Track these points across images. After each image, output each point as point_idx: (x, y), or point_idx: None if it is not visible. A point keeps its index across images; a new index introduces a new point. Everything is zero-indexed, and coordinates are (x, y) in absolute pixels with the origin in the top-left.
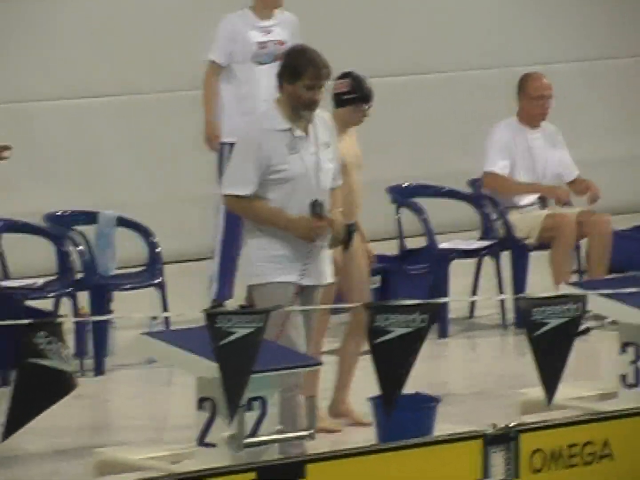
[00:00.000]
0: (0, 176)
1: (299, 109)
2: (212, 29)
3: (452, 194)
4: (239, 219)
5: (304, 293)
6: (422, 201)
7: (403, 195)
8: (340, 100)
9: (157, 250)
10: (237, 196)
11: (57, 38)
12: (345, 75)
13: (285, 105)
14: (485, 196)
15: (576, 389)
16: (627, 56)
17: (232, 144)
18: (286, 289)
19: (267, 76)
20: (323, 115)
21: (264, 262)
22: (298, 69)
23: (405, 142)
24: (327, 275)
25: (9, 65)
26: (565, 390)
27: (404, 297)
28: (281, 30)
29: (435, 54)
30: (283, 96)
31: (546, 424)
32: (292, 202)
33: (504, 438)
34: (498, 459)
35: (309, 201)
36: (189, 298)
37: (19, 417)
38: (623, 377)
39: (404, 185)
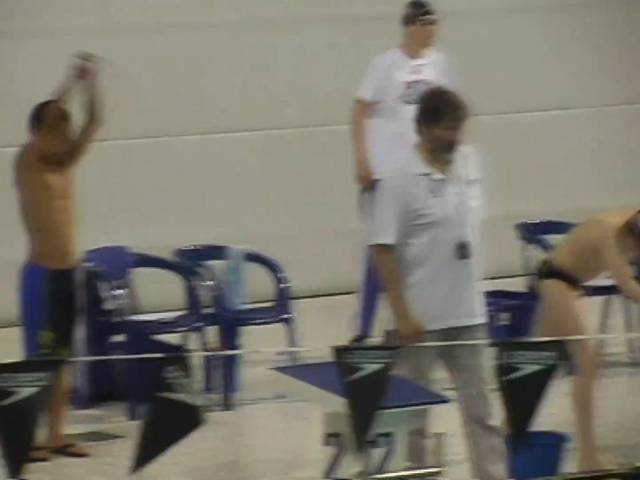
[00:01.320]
0: (137, 209)
1: (438, 151)
2: (364, 65)
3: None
4: None
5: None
6: (551, 238)
7: (532, 232)
8: None
9: (286, 285)
10: (381, 245)
11: (207, 71)
12: None
13: (425, 148)
14: None
15: None
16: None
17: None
18: (429, 338)
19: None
20: (470, 151)
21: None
22: (437, 112)
23: (536, 178)
24: (477, 315)
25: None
26: None
27: (534, 335)
28: (431, 70)
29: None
30: (422, 139)
31: None
32: (437, 246)
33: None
34: None
35: (455, 243)
36: (321, 333)
37: (148, 450)
38: None
39: (533, 222)
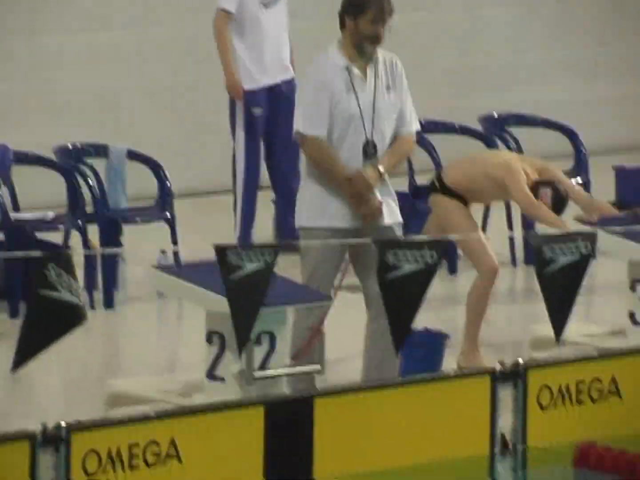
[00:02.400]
0: (13, 109)
1: (362, 44)
2: None
3: (465, 131)
4: (258, 162)
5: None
6: (432, 137)
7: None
8: None
9: (167, 184)
10: (315, 136)
11: None
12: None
13: (347, 43)
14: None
15: (585, 326)
16: None
17: (248, 91)
18: (332, 236)
19: (274, 19)
20: (392, 58)
21: (316, 204)
22: (362, 3)
23: (424, 77)
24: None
25: None
26: (574, 328)
27: (414, 233)
28: None
29: None
30: (345, 33)
31: (554, 360)
32: (345, 142)
33: (512, 375)
34: (506, 395)
35: (362, 142)
36: (200, 232)
37: (28, 349)
38: (632, 315)
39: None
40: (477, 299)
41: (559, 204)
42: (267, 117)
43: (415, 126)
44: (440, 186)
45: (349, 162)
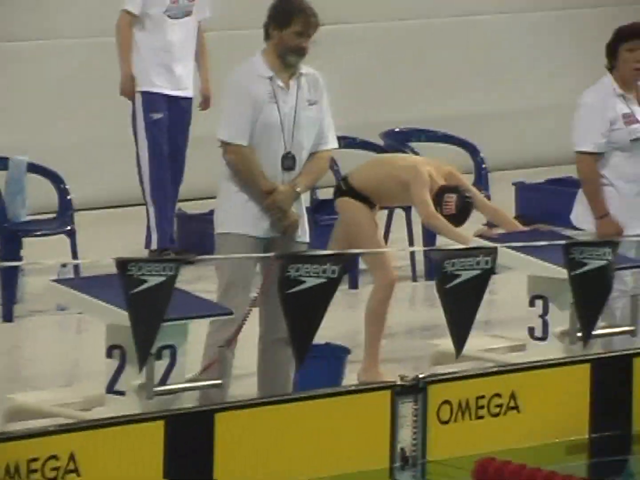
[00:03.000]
0: None
1: (286, 56)
2: None
3: (366, 146)
4: (163, 165)
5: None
6: (334, 152)
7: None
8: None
9: (67, 197)
10: (239, 145)
11: None
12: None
13: (272, 53)
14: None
15: (486, 341)
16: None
17: (146, 93)
18: (248, 243)
19: (179, 32)
20: (315, 74)
21: (234, 212)
22: (288, 16)
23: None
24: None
25: None
26: (475, 342)
27: (315, 248)
28: None
29: None
30: (270, 44)
31: (454, 375)
32: (264, 151)
33: (412, 389)
34: (407, 410)
35: (281, 153)
36: (102, 245)
37: None
38: (531, 330)
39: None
40: (374, 312)
41: (463, 210)
42: (166, 124)
43: (333, 144)
44: (347, 189)
45: (266, 171)
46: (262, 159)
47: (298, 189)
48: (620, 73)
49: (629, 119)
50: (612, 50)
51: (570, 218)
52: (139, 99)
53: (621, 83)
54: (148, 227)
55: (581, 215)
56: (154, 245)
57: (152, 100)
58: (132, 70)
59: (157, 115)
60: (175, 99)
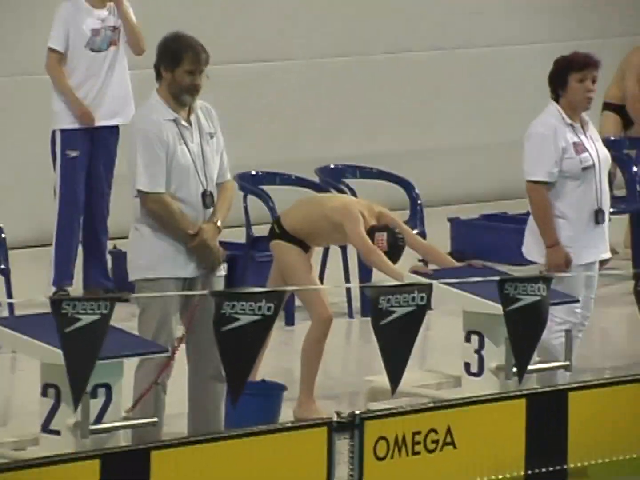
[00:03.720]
0: None
1: (180, 95)
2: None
3: (301, 182)
4: (76, 205)
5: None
6: (269, 189)
7: (251, 183)
8: None
9: (1, 235)
10: (158, 193)
11: None
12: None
13: (166, 94)
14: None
15: (421, 377)
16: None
17: (64, 131)
18: (174, 285)
19: (101, 67)
20: (207, 106)
21: (157, 256)
22: (177, 55)
23: (258, 128)
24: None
25: None
26: (411, 378)
27: (251, 285)
28: (114, 17)
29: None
30: (162, 85)
31: (390, 411)
32: (183, 193)
33: (349, 425)
34: (343, 446)
35: (200, 192)
36: (36, 284)
37: None
38: (467, 366)
39: (252, 173)
40: (311, 349)
41: (394, 249)
42: (87, 161)
43: (229, 173)
44: (280, 232)
45: (189, 213)
46: (183, 202)
47: (219, 224)
48: (569, 102)
49: (579, 147)
50: (560, 80)
51: (504, 252)
52: (58, 137)
53: (570, 112)
54: (85, 266)
55: (532, 247)
56: (50, 282)
57: (70, 137)
58: (77, 98)
59: (73, 153)
60: (98, 132)
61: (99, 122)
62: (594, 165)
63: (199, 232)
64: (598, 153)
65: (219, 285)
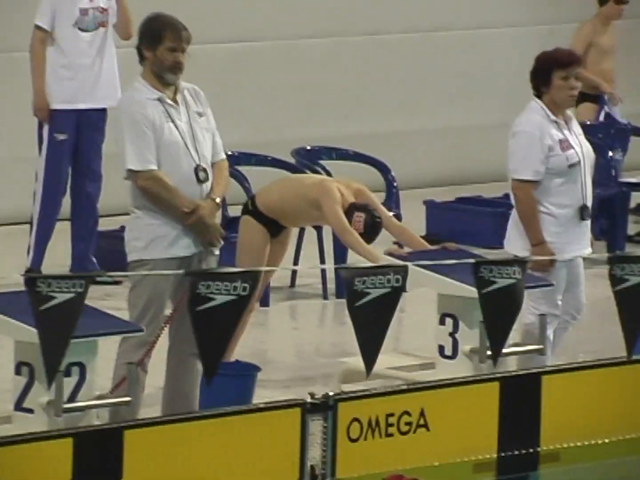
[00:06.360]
0: None
1: (163, 74)
2: None
3: (277, 163)
4: (59, 189)
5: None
6: (245, 170)
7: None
8: None
9: None
10: (149, 170)
11: None
12: None
13: (150, 74)
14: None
15: (396, 359)
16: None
17: (54, 111)
18: (172, 265)
19: (90, 47)
20: (194, 87)
21: (154, 237)
22: (158, 33)
23: (235, 108)
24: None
25: None
26: (385, 360)
27: (226, 265)
28: None
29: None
30: (146, 66)
31: (364, 393)
32: (176, 171)
33: (322, 407)
34: (317, 427)
35: (192, 167)
36: (11, 262)
37: None
38: (441, 348)
39: (228, 154)
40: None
41: (371, 228)
42: (74, 144)
43: (224, 154)
44: (252, 209)
45: (184, 190)
46: (175, 179)
47: (218, 200)
48: (553, 99)
49: (564, 144)
50: (544, 77)
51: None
52: (47, 117)
53: (553, 109)
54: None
55: (514, 241)
56: (28, 264)
57: (58, 119)
58: (44, 88)
59: (61, 136)
60: (87, 113)
61: (89, 105)
62: (579, 161)
63: (196, 209)
64: (582, 149)
65: (214, 264)
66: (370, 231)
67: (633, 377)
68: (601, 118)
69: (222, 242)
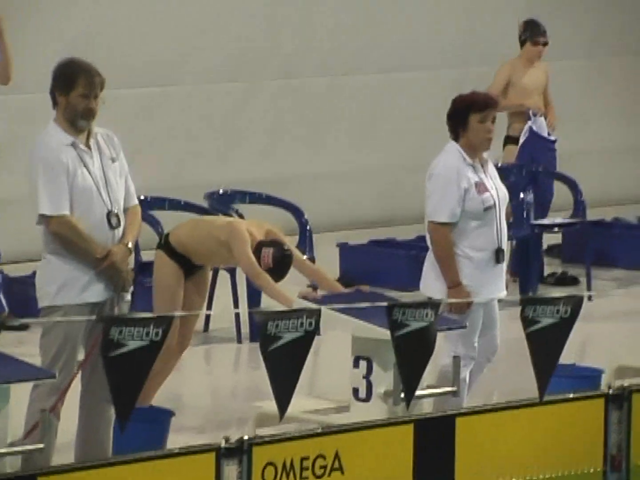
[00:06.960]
0: None
1: (76, 120)
2: None
3: (190, 207)
4: None
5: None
6: (158, 214)
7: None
8: None
9: None
10: (62, 215)
11: None
12: None
13: (63, 120)
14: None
15: (310, 402)
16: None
17: None
18: (83, 311)
19: None
20: (108, 133)
21: (66, 282)
22: (71, 79)
23: (147, 152)
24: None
25: None
26: (299, 403)
27: (139, 310)
28: None
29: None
30: (59, 111)
31: (278, 437)
32: (89, 217)
33: (237, 451)
34: (232, 472)
35: (104, 213)
36: None
37: None
38: (355, 391)
39: (141, 198)
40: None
41: (281, 262)
42: None
43: (135, 201)
44: (165, 244)
45: (96, 235)
46: (88, 224)
47: (130, 245)
48: (470, 142)
49: (480, 187)
50: (461, 120)
51: (391, 280)
52: None
53: (470, 152)
54: None
55: (431, 283)
56: None
57: None
58: None
59: None
60: None
61: None
62: (494, 204)
63: (108, 254)
64: (498, 192)
65: (126, 309)
66: (280, 265)
67: (545, 418)
68: (526, 133)
69: (132, 288)
